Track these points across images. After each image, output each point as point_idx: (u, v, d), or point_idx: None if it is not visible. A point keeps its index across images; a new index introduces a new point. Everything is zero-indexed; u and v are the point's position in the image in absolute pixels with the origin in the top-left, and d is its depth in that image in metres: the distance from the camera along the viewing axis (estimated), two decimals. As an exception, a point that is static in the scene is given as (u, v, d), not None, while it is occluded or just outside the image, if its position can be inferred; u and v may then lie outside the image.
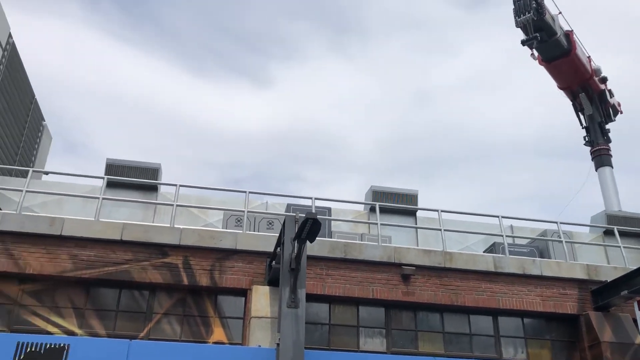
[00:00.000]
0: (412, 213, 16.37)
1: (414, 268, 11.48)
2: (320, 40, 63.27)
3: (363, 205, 16.78)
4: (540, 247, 15.06)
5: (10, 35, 16.43)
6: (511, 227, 16.84)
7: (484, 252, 15.13)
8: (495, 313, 11.91)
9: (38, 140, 19.70)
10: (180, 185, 12.02)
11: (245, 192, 12.28)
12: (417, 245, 15.57)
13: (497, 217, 13.28)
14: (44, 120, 20.15)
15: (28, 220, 10.56)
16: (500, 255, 12.53)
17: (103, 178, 12.18)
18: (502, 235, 12.93)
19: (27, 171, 12.03)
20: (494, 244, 14.85)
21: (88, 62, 50.93)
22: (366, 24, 62.13)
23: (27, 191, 11.31)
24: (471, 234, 15.98)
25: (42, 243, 10.45)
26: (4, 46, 15.99)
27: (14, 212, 10.69)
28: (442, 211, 12.98)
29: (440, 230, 12.54)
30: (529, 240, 15.72)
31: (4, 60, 16.08)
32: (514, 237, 16.07)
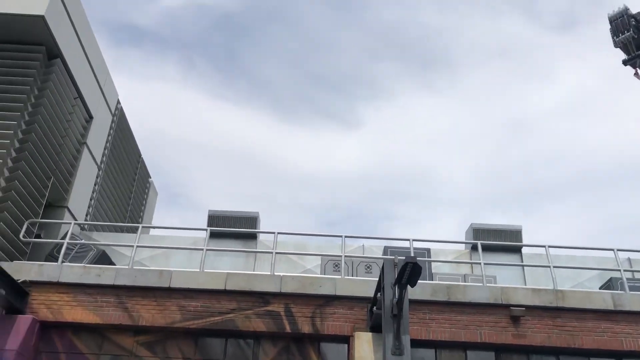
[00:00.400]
0: (516, 250, 15.59)
1: (524, 309, 10.86)
2: (406, 76, 63.40)
3: (464, 244, 16.21)
4: (665, 281, 13.73)
5: (118, 102, 17.83)
6: (629, 259, 15.52)
7: (599, 288, 14.05)
8: (619, 356, 10.93)
9: (145, 197, 20.98)
10: (278, 233, 12.28)
11: (341, 236, 12.28)
12: (525, 284, 14.74)
13: (612, 250, 12.35)
14: (150, 177, 21.49)
15: (139, 274, 11.15)
16: (619, 291, 11.58)
17: (206, 230, 12.68)
18: (619, 270, 11.97)
19: (137, 227, 12.78)
20: (610, 280, 13.75)
21: (187, 120, 54.09)
22: (452, 56, 61.58)
23: (137, 246, 11.99)
24: (584, 270, 14.91)
25: (152, 295, 10.96)
26: (113, 112, 17.35)
27: (127, 267, 11.33)
28: (549, 247, 12.27)
29: (549, 267, 11.84)
30: (651, 274, 14.43)
31: (113, 125, 17.42)
32: (633, 271, 14.80)
